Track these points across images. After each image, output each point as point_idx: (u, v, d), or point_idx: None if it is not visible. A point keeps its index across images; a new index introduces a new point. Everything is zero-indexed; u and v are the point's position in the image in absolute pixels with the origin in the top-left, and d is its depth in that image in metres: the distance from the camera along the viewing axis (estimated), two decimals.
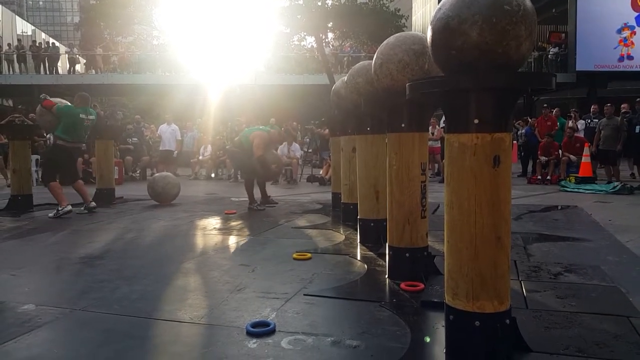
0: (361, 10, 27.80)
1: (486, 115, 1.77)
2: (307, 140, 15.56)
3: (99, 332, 2.22)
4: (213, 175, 11.50)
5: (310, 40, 28.88)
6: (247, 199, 6.20)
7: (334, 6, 28.05)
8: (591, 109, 11.07)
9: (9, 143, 6.79)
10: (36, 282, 3.05)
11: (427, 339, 2.12)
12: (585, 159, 8.83)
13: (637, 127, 9.25)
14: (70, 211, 5.62)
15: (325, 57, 18.63)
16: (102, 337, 2.17)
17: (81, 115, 5.81)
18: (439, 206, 5.70)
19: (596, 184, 8.21)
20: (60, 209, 5.59)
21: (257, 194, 6.29)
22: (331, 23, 27.72)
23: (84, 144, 6.01)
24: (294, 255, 3.52)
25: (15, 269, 3.39)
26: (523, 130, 11.12)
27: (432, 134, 10.36)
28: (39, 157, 10.60)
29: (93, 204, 6.01)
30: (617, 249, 3.75)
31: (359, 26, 26.97)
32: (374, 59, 2.85)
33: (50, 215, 5.58)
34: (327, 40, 29.11)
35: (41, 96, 5.97)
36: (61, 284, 3.04)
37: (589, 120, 10.78)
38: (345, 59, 21.56)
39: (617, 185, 7.74)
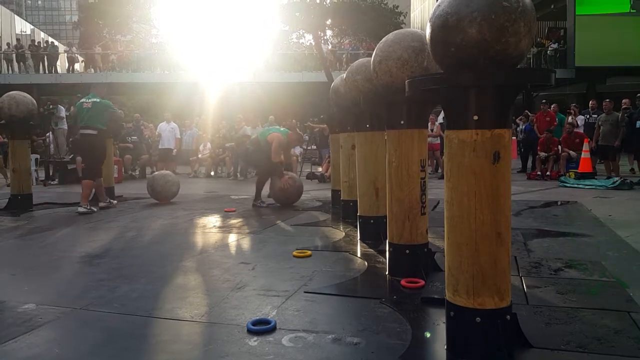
0: (359, 7, 27.74)
1: (485, 111, 1.77)
2: (306, 137, 15.53)
3: (99, 331, 2.22)
4: (212, 173, 11.49)
5: (309, 38, 28.84)
6: (247, 196, 6.19)
7: (332, 3, 27.99)
8: (589, 105, 11.06)
9: (8, 142, 6.79)
10: (36, 282, 3.05)
11: (428, 334, 2.12)
12: (585, 154, 8.83)
13: (638, 122, 9.23)
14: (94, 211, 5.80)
15: (323, 55, 18.58)
16: (102, 336, 2.17)
17: (81, 100, 6.09)
18: (438, 202, 5.70)
19: (596, 179, 8.21)
20: (87, 206, 5.82)
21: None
22: (330, 20, 27.67)
23: (91, 130, 5.98)
24: (294, 253, 3.52)
25: (15, 269, 3.39)
26: (523, 126, 11.11)
27: (432, 130, 10.35)
28: (38, 156, 10.60)
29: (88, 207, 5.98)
30: (617, 244, 3.76)
31: (358, 23, 26.91)
32: (373, 56, 2.84)
33: (80, 210, 5.76)
34: (325, 37, 29.07)
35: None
36: (61, 283, 3.04)
37: (588, 116, 10.78)
38: (344, 56, 21.52)
39: (617, 181, 7.73)
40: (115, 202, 6.26)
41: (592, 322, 2.19)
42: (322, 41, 25.86)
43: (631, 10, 18.12)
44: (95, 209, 5.91)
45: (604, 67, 18.42)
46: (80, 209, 5.77)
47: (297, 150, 11.12)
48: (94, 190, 6.14)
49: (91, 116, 5.98)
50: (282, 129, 6.35)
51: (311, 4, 25.49)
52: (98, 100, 6.04)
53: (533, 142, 10.29)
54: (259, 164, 6.29)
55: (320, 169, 10.37)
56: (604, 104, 9.81)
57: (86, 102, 6.01)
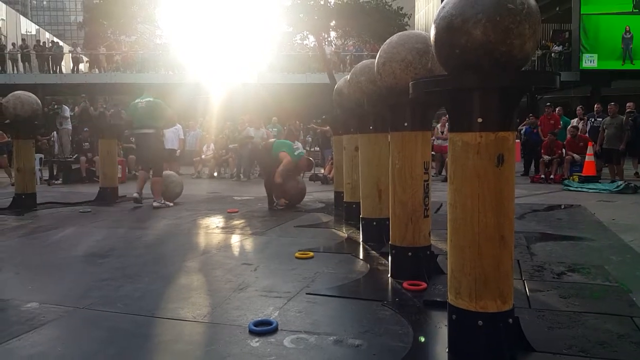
0: (363, 8, 27.74)
1: (490, 114, 1.76)
2: (310, 139, 15.55)
3: (102, 330, 2.23)
4: (216, 174, 11.51)
5: (313, 39, 28.84)
6: (249, 197, 6.20)
7: (336, 4, 28.00)
8: (594, 108, 11.04)
9: (13, 142, 6.82)
10: (40, 281, 3.06)
11: (422, 339, 2.09)
12: (589, 158, 8.80)
13: None
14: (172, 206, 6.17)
15: (325, 56, 18.55)
16: (105, 335, 2.17)
17: (135, 101, 6.32)
18: (441, 205, 5.69)
19: (600, 183, 8.18)
20: (162, 202, 6.15)
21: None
22: (334, 22, 27.69)
23: (148, 129, 6.23)
24: (297, 254, 3.52)
25: (19, 267, 3.40)
26: (523, 129, 11.08)
27: (442, 132, 10.31)
28: (42, 156, 10.64)
29: (136, 195, 6.42)
30: (621, 249, 3.74)
31: (362, 24, 26.91)
32: (377, 57, 2.84)
33: (155, 205, 6.08)
34: (329, 39, 29.08)
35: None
36: (65, 282, 3.05)
37: (593, 120, 10.75)
38: (347, 57, 21.52)
39: (621, 185, 7.70)
40: (171, 204, 6.29)
41: (594, 327, 2.18)
42: (326, 43, 25.85)
43: (634, 10, 18.18)
44: (170, 204, 6.22)
45: (609, 70, 18.39)
46: (155, 204, 6.07)
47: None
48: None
49: (146, 115, 6.20)
50: (296, 152, 6.28)
51: (315, 6, 25.51)
52: (152, 99, 6.26)
53: (534, 144, 10.28)
54: (265, 166, 6.32)
55: (323, 171, 10.37)
56: (608, 107, 9.78)
57: (140, 102, 6.24)
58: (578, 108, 11.37)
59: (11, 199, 6.30)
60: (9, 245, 4.18)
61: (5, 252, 3.90)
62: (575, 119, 10.86)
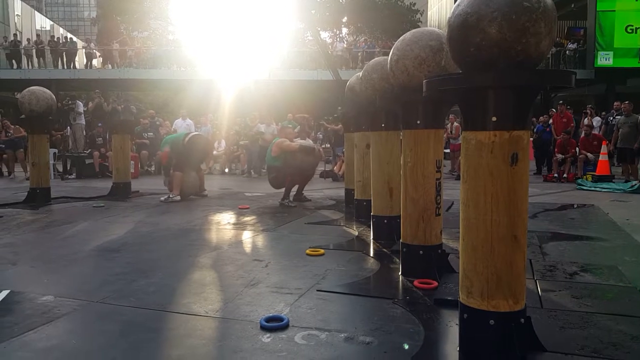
0: (375, 4, 27.64)
1: (504, 112, 1.75)
2: (320, 136, 15.53)
3: (116, 323, 2.26)
4: (227, 170, 11.56)
5: (325, 36, 28.77)
6: (260, 194, 6.21)
7: (347, 1, 27.91)
8: (613, 106, 10.88)
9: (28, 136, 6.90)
10: (54, 274, 3.11)
11: (440, 336, 2.11)
12: (603, 157, 8.70)
13: None
14: (178, 201, 6.32)
15: (327, 53, 18.45)
16: (119, 328, 2.20)
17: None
18: (452, 203, 5.67)
19: (613, 182, 8.09)
20: (172, 195, 6.35)
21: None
22: (345, 18, 27.63)
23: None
24: (307, 251, 3.53)
25: (35, 261, 3.46)
26: (535, 128, 10.98)
27: (451, 132, 10.29)
28: (56, 150, 10.76)
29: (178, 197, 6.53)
30: (634, 249, 3.70)
31: (374, 21, 26.84)
32: (389, 54, 2.83)
33: (162, 199, 6.32)
34: (341, 35, 29.04)
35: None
36: (79, 276, 3.09)
37: (612, 118, 10.59)
38: (359, 54, 21.47)
39: (635, 184, 7.61)
40: (178, 198, 6.42)
41: (607, 328, 2.16)
42: (338, 39, 25.81)
43: None
44: (177, 198, 6.35)
45: (625, 68, 18.13)
46: (162, 198, 6.36)
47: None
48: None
49: None
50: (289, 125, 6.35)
51: (326, 2, 25.46)
52: None
53: (545, 143, 10.17)
54: (283, 172, 6.27)
55: (334, 168, 10.36)
56: (622, 105, 9.67)
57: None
58: (588, 107, 11.24)
59: (26, 193, 6.39)
60: (25, 239, 4.25)
61: (21, 246, 3.96)
62: (586, 119, 10.74)
